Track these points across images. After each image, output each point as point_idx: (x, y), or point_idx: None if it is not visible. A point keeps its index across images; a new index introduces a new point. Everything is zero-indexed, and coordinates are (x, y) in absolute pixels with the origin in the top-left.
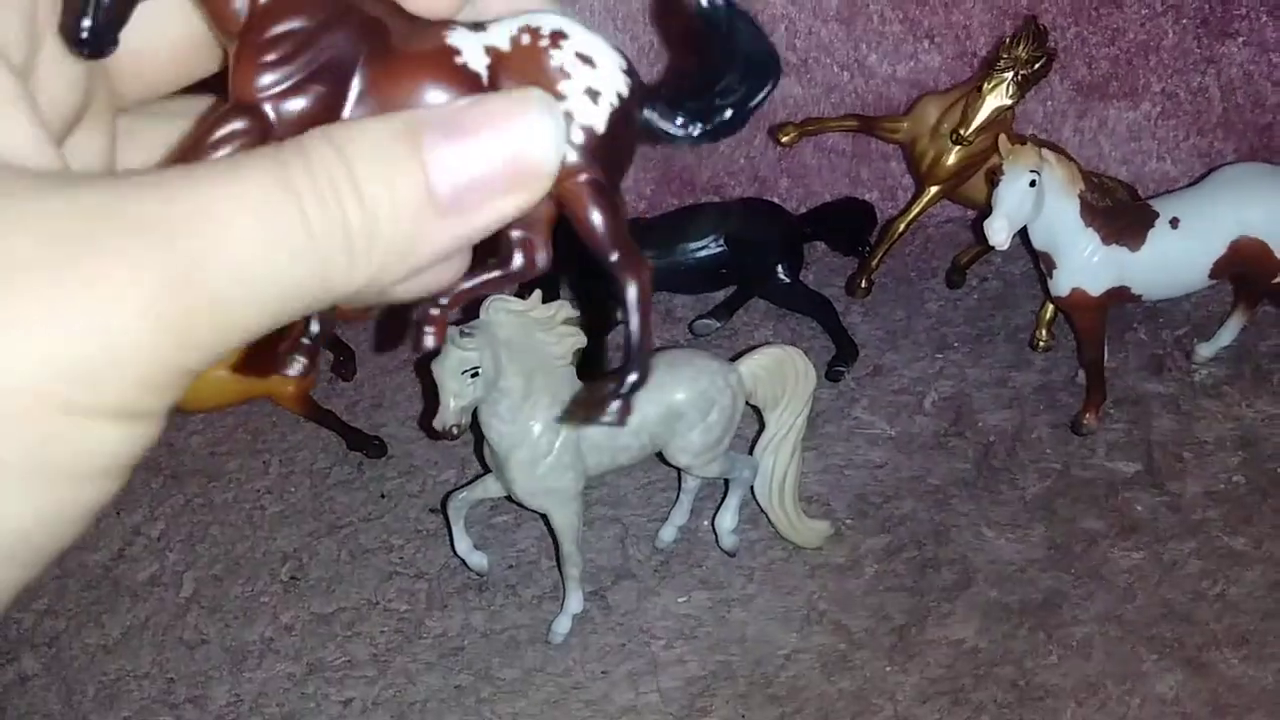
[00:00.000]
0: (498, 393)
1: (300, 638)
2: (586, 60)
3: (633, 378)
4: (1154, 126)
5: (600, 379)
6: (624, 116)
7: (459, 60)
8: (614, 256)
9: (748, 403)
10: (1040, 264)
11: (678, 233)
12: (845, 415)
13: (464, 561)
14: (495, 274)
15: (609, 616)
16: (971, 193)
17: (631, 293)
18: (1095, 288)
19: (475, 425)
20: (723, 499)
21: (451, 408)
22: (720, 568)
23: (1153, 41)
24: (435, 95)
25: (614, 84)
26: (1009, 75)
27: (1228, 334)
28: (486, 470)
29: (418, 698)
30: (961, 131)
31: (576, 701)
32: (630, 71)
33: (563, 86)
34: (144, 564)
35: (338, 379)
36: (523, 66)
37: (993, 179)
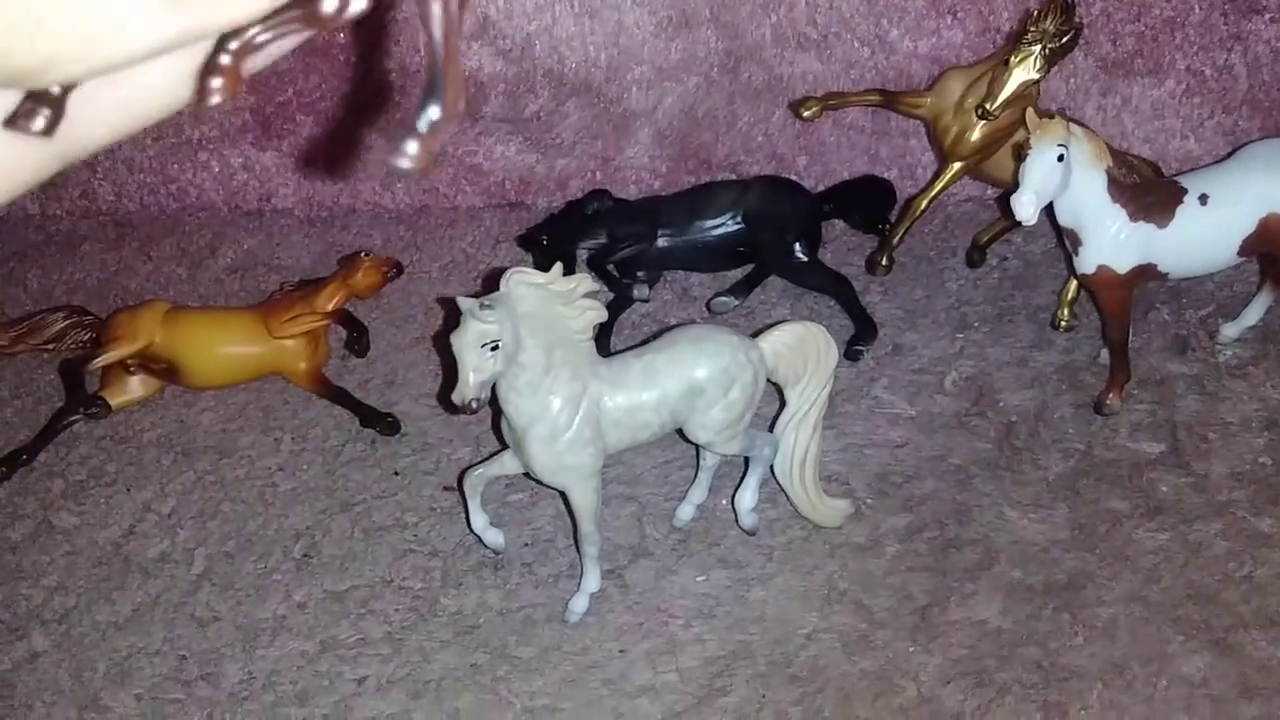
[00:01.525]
0: (517, 367)
1: (313, 615)
2: None
3: (433, 111)
4: (1178, 104)
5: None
6: None
7: None
8: None
9: (768, 380)
10: (1065, 241)
11: (695, 210)
12: (865, 394)
13: (480, 539)
14: (296, 13)
15: (626, 595)
16: (994, 170)
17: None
18: (1121, 265)
19: (493, 400)
20: (742, 477)
21: (471, 382)
22: (739, 546)
23: (1179, 17)
24: None
25: None
26: (1036, 49)
27: (1254, 314)
28: (503, 447)
29: (433, 676)
30: (987, 105)
31: (594, 680)
32: None
33: None
34: (155, 541)
35: (350, 356)
36: None
37: (1020, 154)
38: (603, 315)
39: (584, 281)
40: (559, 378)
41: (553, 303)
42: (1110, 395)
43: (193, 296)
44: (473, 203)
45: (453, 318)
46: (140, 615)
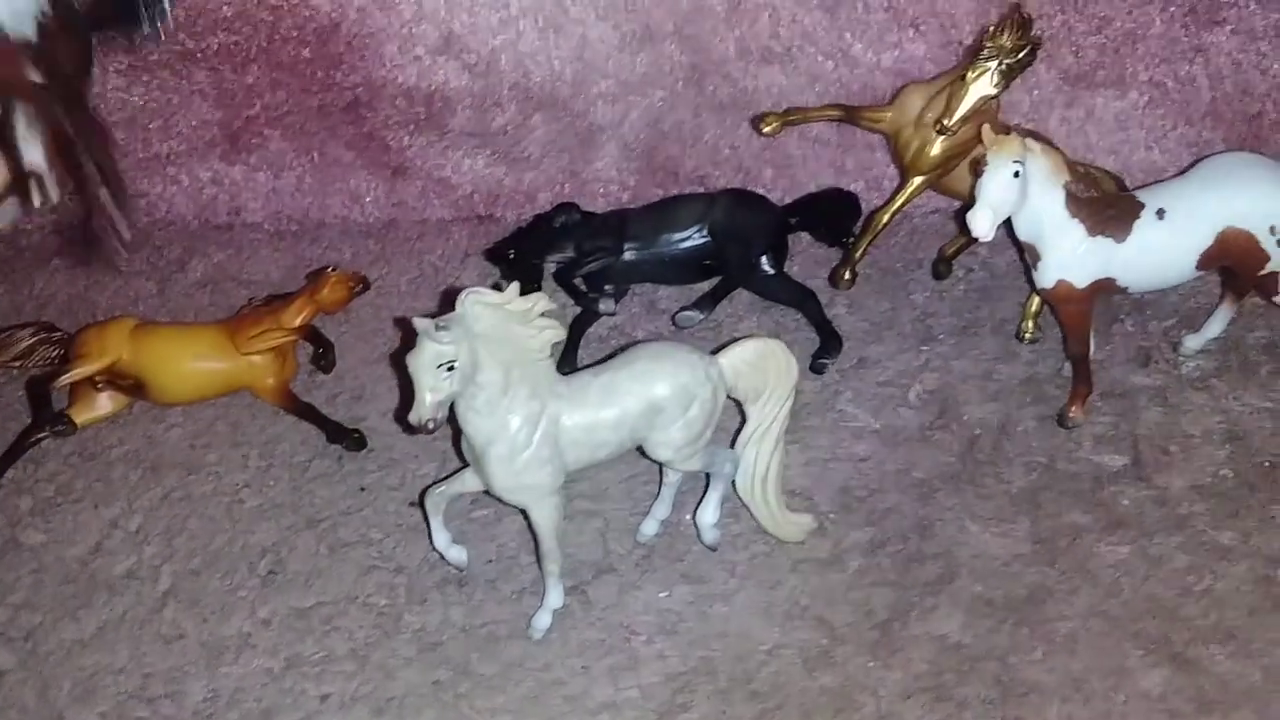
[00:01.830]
0: (475, 387)
1: (278, 632)
2: None
3: None
4: (1141, 116)
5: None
6: None
7: None
8: None
9: (729, 396)
10: (1025, 256)
11: (661, 223)
12: (829, 408)
13: (443, 556)
14: None
15: (590, 611)
16: (956, 184)
17: None
18: (1080, 279)
19: (453, 419)
20: (704, 493)
21: (427, 402)
22: (702, 562)
23: (1140, 30)
24: None
25: None
26: (993, 64)
27: (1215, 326)
28: (465, 464)
29: (396, 693)
30: (945, 121)
31: (556, 697)
32: None
33: None
34: (121, 557)
35: (318, 371)
36: None
37: (977, 169)
38: (560, 334)
39: (540, 301)
40: (517, 396)
41: (510, 322)
42: (1073, 408)
43: (162, 311)
44: (441, 216)
45: (410, 338)
46: (105, 633)
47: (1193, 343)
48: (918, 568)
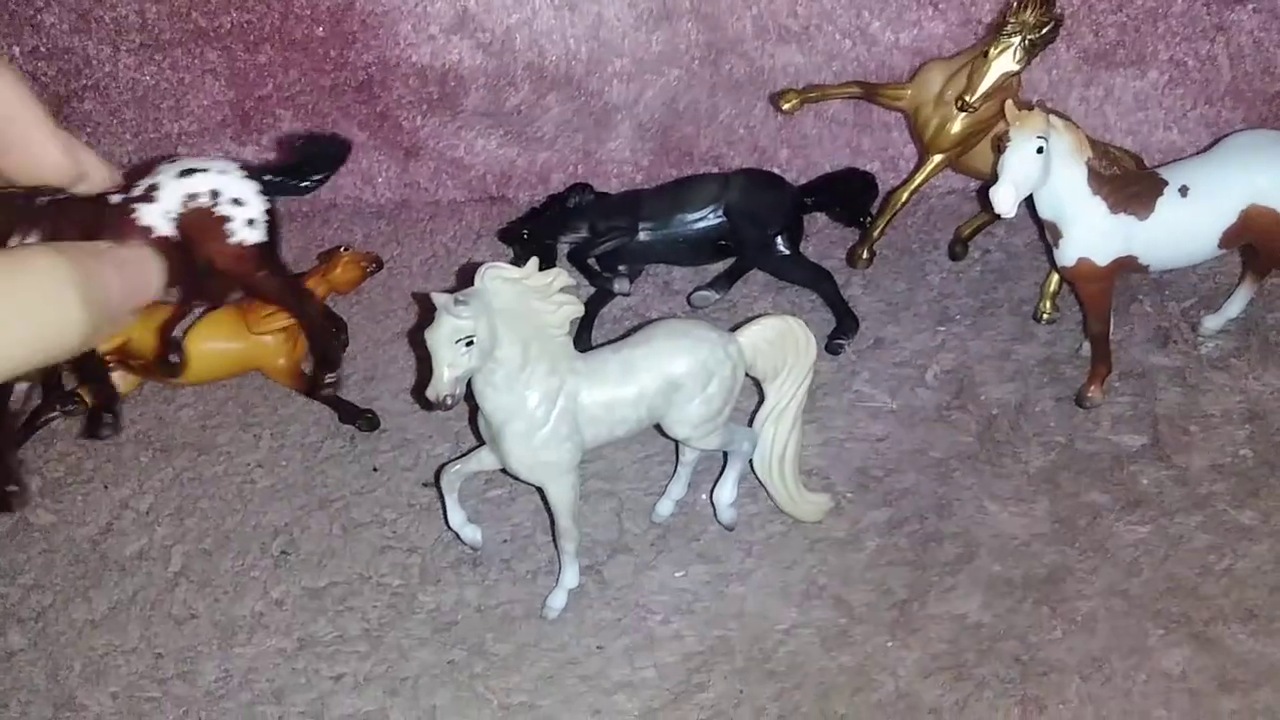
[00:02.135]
0: (493, 362)
1: (291, 612)
2: (238, 202)
3: None
4: (1161, 95)
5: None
6: (272, 217)
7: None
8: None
9: (747, 374)
10: (1046, 233)
11: (676, 203)
12: (846, 388)
13: (458, 535)
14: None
15: (605, 591)
16: (975, 162)
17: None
18: (1102, 257)
19: (469, 396)
20: (721, 472)
21: (445, 378)
22: (718, 542)
23: (1161, 8)
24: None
25: (259, 208)
26: (1016, 40)
27: (1235, 306)
28: (481, 443)
29: (410, 673)
30: (967, 98)
31: (571, 677)
32: (263, 189)
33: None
34: (132, 538)
35: None
36: (197, 223)
37: (999, 145)
38: (579, 310)
39: (560, 276)
40: (535, 373)
41: (528, 298)
42: (1091, 388)
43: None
44: (454, 197)
45: (428, 314)
46: (117, 613)
47: (1212, 323)
48: (936, 547)
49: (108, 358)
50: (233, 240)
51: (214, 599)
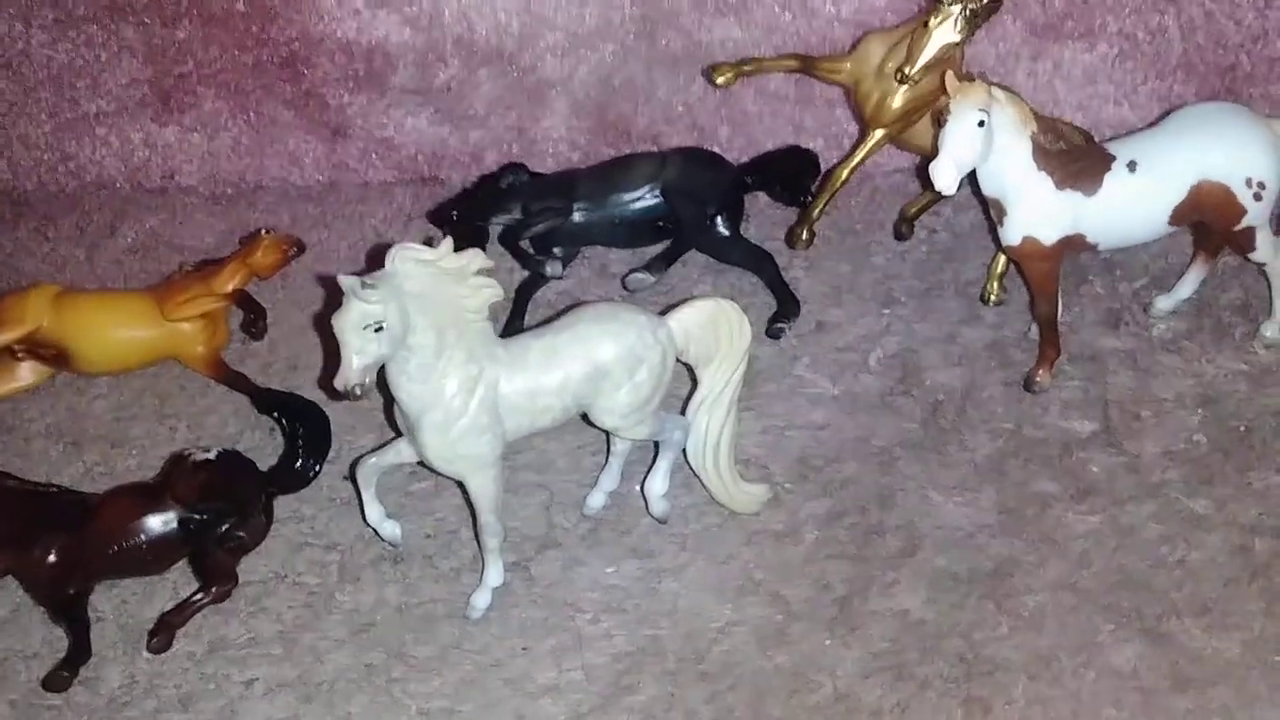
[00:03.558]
0: (406, 350)
1: (201, 614)
2: None
3: None
4: (1111, 69)
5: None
6: None
7: None
8: None
9: (679, 360)
10: (990, 212)
11: (612, 183)
12: (786, 373)
13: (376, 532)
14: None
15: (531, 589)
16: (918, 138)
17: None
18: (1048, 235)
19: (385, 385)
20: (653, 462)
21: (354, 366)
22: (651, 535)
23: None
24: None
25: None
26: (956, 9)
27: (1187, 286)
28: (399, 434)
29: (325, 677)
30: (906, 70)
31: (495, 680)
32: None
33: None
34: None
35: (250, 339)
36: None
37: (939, 119)
38: (499, 293)
39: (476, 258)
40: (453, 361)
41: (443, 281)
42: (1040, 372)
43: (91, 278)
44: (383, 178)
45: (337, 297)
46: (18, 617)
47: (1164, 304)
48: (878, 540)
49: (17, 347)
50: None
51: (121, 601)
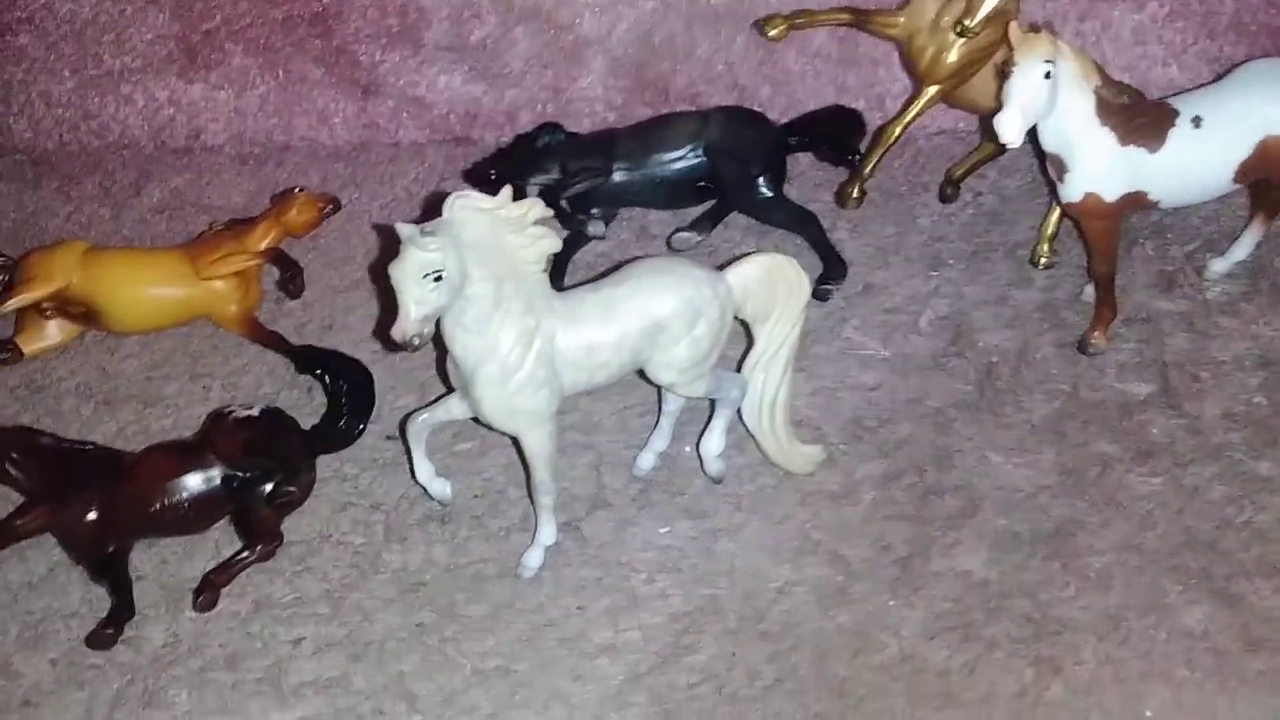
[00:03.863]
0: (464, 301)
1: (245, 574)
2: None
3: None
4: (1161, 29)
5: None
6: None
7: None
8: None
9: (735, 317)
10: (1049, 169)
11: (653, 142)
12: (835, 335)
13: (425, 490)
14: None
15: (584, 549)
16: (972, 94)
17: None
18: (1110, 192)
19: (438, 339)
20: (708, 421)
21: (412, 316)
22: (704, 496)
23: None
24: None
25: None
26: None
27: (1242, 248)
28: (450, 390)
29: (375, 636)
30: (966, 22)
31: (550, 639)
32: None
33: None
34: None
35: (285, 298)
36: None
37: (1004, 71)
38: (557, 244)
39: (535, 206)
40: (510, 313)
41: (502, 230)
42: (1096, 333)
43: (116, 238)
44: (415, 138)
45: (391, 247)
46: (56, 575)
47: (1219, 266)
48: (936, 501)
49: (45, 305)
50: None
51: (162, 560)
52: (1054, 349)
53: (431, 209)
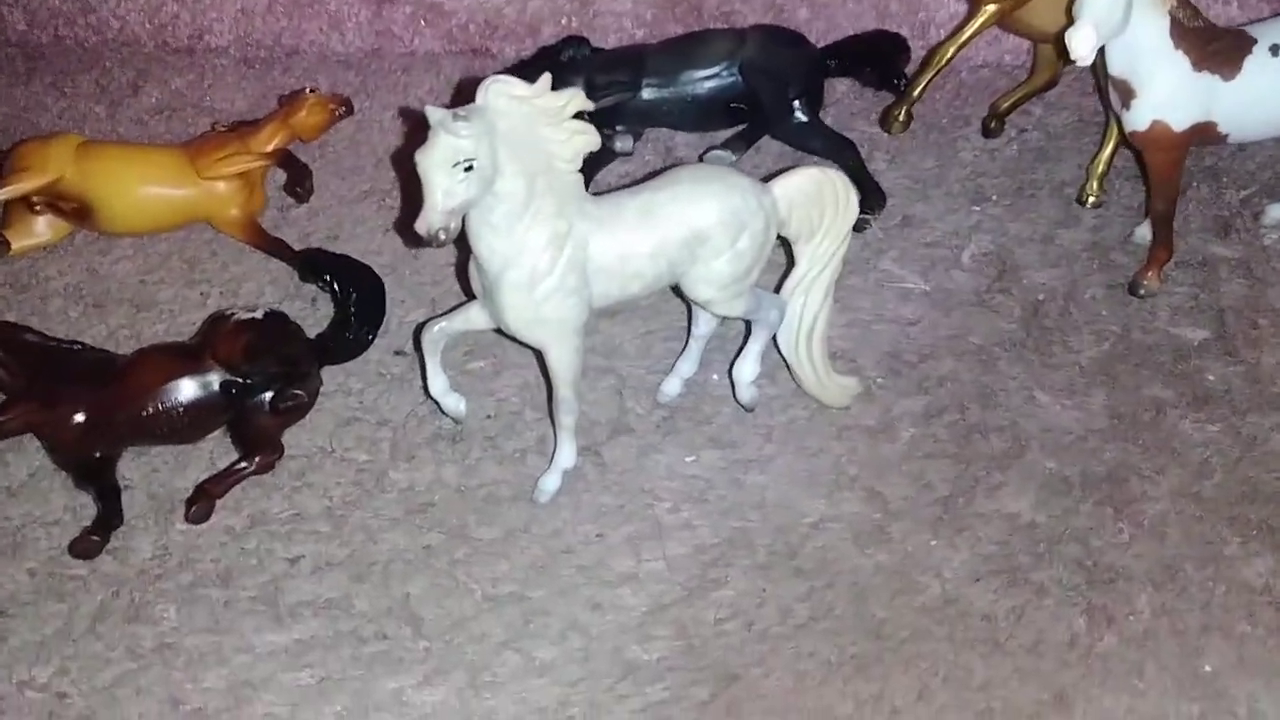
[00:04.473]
0: (493, 197)
1: (240, 487)
2: None
3: None
4: None
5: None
6: None
7: None
8: None
9: (778, 234)
10: (1113, 93)
11: (686, 59)
12: (871, 267)
13: (438, 405)
14: None
15: (604, 475)
16: (1031, 17)
17: None
18: (1179, 121)
19: (459, 241)
20: (741, 346)
21: (440, 207)
22: (733, 425)
23: None
24: None
25: None
26: None
27: None
28: (470, 298)
29: (379, 557)
30: None
31: (567, 567)
32: None
33: None
34: None
35: (291, 206)
36: None
37: None
38: (595, 141)
39: (576, 98)
40: (541, 213)
41: (537, 122)
42: (1149, 274)
43: (111, 138)
44: (431, 47)
45: (419, 133)
46: (38, 481)
47: (1276, 212)
48: (980, 440)
49: (35, 198)
50: None
51: (151, 469)
52: (1103, 290)
53: (464, 93)
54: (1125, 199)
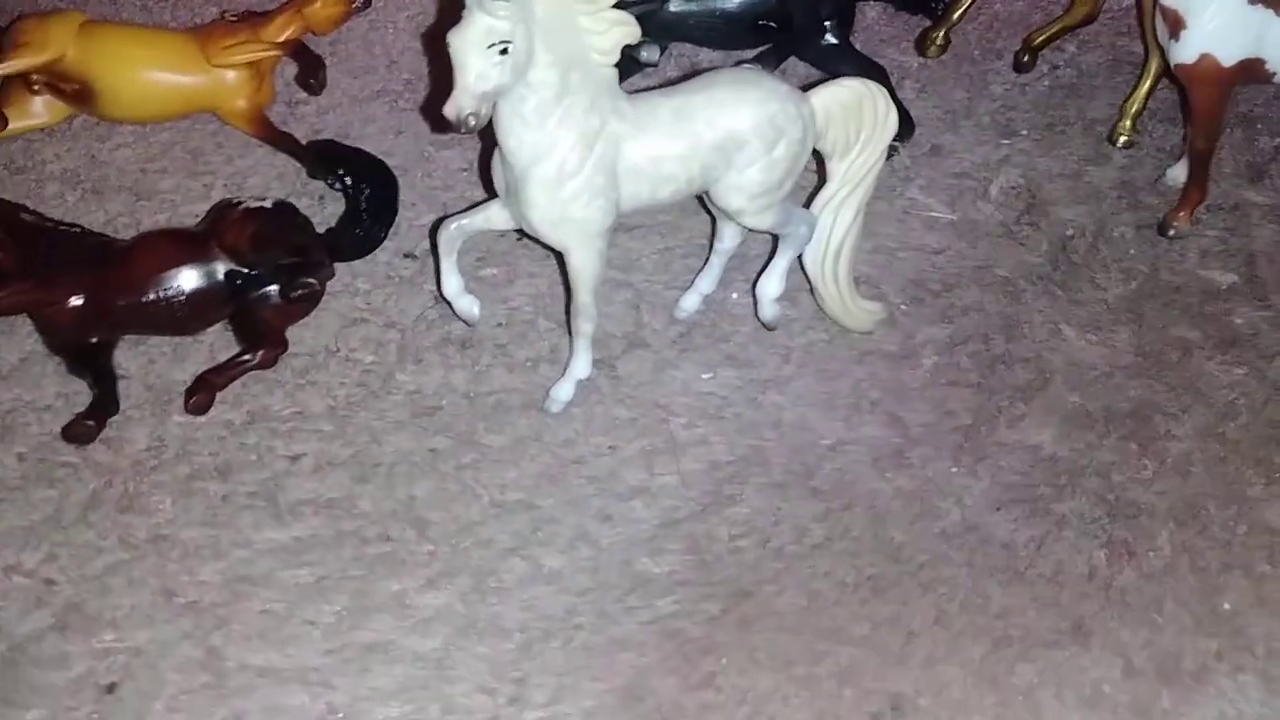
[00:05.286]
0: (526, 87)
1: (240, 383)
2: None
3: None
4: None
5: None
6: None
7: None
8: None
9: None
10: (1161, 23)
11: None
12: (898, 195)
13: (451, 306)
14: None
15: (618, 388)
16: None
17: None
18: (1229, 55)
19: (484, 133)
20: (767, 262)
21: (471, 90)
22: (751, 345)
23: None
24: None
25: None
26: None
27: None
28: (490, 197)
29: (384, 459)
30: None
31: (578, 478)
32: None
33: None
34: None
35: (300, 102)
36: None
37: None
38: (635, 33)
39: None
40: (574, 108)
41: (575, 10)
42: (1180, 215)
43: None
44: None
45: (453, 11)
46: (29, 366)
47: None
48: (1004, 371)
49: (34, 77)
50: None
51: (149, 360)
52: (1133, 229)
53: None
54: (1158, 139)
